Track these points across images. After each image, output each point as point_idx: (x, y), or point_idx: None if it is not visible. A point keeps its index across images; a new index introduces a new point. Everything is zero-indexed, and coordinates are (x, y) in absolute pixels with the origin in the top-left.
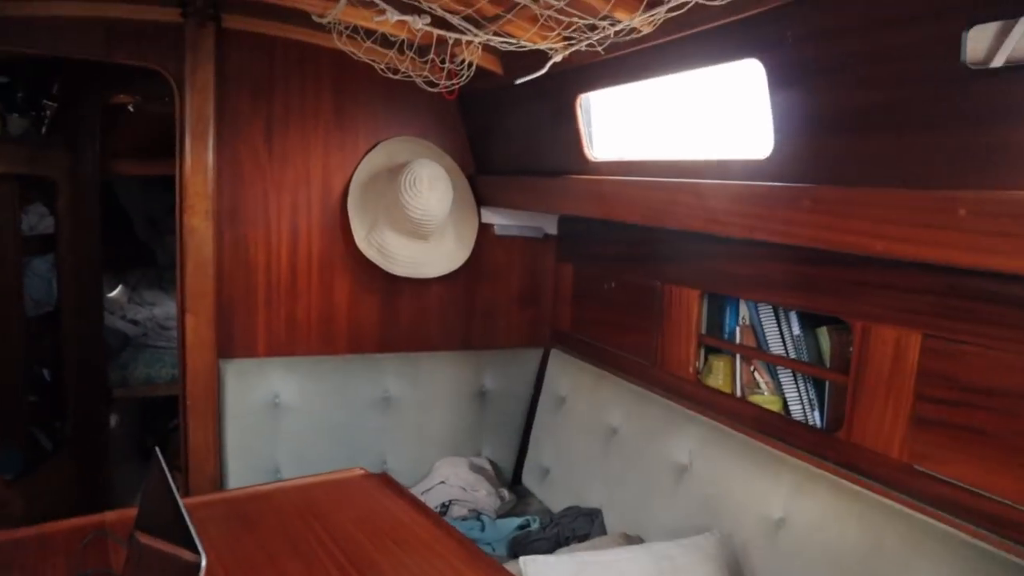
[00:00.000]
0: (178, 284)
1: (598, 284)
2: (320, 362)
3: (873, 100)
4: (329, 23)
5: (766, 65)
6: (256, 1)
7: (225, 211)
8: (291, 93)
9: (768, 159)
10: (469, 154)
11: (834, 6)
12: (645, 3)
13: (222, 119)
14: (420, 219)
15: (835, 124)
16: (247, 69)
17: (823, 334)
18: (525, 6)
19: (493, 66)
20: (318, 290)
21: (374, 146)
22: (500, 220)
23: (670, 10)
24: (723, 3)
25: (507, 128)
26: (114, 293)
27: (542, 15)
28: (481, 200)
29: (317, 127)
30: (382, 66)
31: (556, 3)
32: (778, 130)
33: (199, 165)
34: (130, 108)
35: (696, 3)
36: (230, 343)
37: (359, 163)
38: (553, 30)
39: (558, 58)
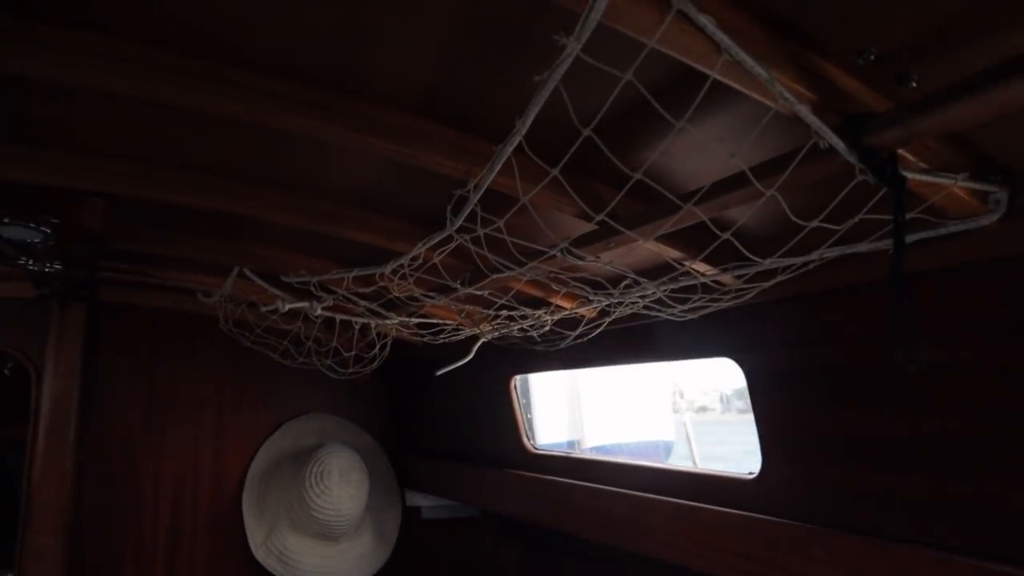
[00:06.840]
0: None
1: None
2: None
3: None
4: (216, 303)
5: (744, 367)
6: (136, 281)
7: (85, 521)
8: (179, 370)
9: (757, 481)
10: (391, 428)
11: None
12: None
13: (91, 406)
14: (328, 520)
15: (841, 450)
16: (126, 347)
17: None
18: (449, 291)
19: (412, 338)
20: None
21: (277, 427)
22: (428, 501)
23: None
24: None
25: (431, 404)
26: None
27: (459, 309)
28: (405, 481)
29: (210, 409)
30: (276, 355)
31: (479, 293)
32: (767, 445)
33: (53, 468)
34: (5, 373)
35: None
36: None
37: (257, 450)
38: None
39: (486, 338)
